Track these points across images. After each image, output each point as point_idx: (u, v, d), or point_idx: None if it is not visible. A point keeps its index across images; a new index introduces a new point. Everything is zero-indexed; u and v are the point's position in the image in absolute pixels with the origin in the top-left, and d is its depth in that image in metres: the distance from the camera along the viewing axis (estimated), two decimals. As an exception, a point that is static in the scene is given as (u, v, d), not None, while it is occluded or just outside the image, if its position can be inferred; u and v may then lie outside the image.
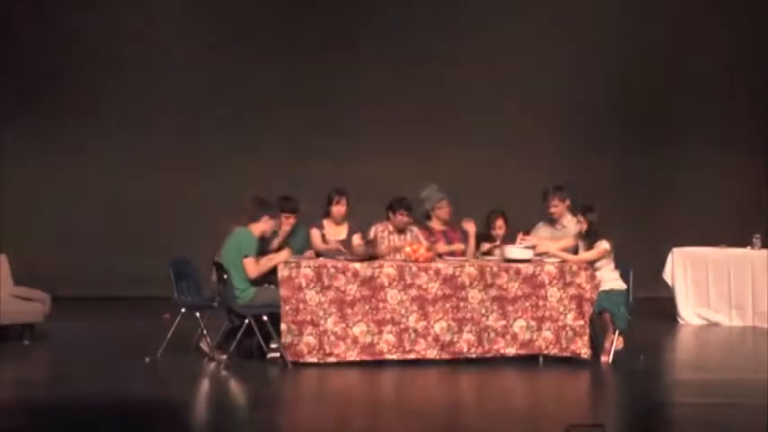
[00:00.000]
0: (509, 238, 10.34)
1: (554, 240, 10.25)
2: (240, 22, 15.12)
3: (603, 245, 9.82)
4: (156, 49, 15.00)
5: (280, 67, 15.08)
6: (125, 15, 15.03)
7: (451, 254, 10.24)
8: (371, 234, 10.22)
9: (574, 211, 10.33)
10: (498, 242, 10.37)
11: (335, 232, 10.26)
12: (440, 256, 10.07)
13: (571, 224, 10.35)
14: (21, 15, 14.76)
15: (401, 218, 10.20)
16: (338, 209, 10.24)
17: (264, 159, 14.77)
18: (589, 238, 9.90)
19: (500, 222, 10.44)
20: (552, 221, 10.49)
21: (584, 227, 9.93)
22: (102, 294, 14.35)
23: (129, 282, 14.32)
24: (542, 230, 10.53)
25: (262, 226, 9.67)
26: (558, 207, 10.43)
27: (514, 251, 9.86)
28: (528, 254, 9.85)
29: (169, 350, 9.87)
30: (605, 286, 9.77)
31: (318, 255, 9.99)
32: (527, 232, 10.26)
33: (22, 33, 14.75)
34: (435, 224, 10.47)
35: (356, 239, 10.01)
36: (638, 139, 15.37)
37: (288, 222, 10.07)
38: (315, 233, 10.18)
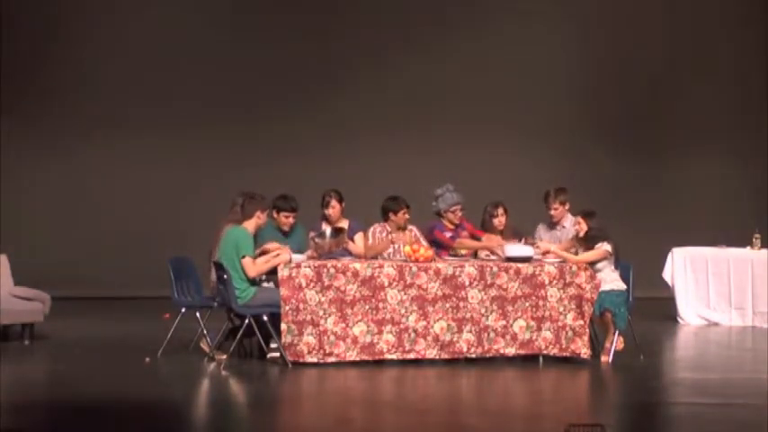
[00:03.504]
0: (510, 232, 10.35)
1: (558, 242, 10.27)
2: (237, 26, 15.13)
3: (604, 246, 9.82)
4: (154, 51, 15.02)
5: (278, 66, 15.10)
6: (126, 18, 15.05)
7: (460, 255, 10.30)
8: (370, 234, 10.22)
9: (573, 213, 10.34)
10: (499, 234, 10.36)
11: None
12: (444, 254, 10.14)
13: (572, 226, 10.36)
14: (25, 18, 14.78)
15: (404, 216, 10.21)
16: (331, 211, 10.22)
17: (263, 159, 14.78)
18: (589, 241, 9.89)
19: (500, 211, 10.42)
20: (552, 224, 10.50)
21: (583, 229, 9.92)
22: (102, 294, 14.37)
23: (129, 282, 14.34)
24: (542, 232, 10.54)
25: (255, 221, 9.66)
26: (558, 210, 10.45)
27: (515, 249, 9.86)
28: (529, 251, 9.85)
29: (169, 350, 9.88)
30: (606, 287, 9.77)
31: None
32: (528, 239, 10.23)
33: (24, 35, 14.77)
34: (446, 222, 10.47)
35: (313, 233, 9.95)
36: (638, 139, 15.38)
37: (287, 221, 10.05)
38: (311, 235, 10.15)
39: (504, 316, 9.63)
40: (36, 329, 10.92)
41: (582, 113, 15.40)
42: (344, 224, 10.21)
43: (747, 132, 15.34)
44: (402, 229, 10.26)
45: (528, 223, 10.61)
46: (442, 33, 15.24)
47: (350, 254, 10.03)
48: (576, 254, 9.94)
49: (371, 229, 10.28)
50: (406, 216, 10.23)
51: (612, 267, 9.90)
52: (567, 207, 10.52)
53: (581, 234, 9.96)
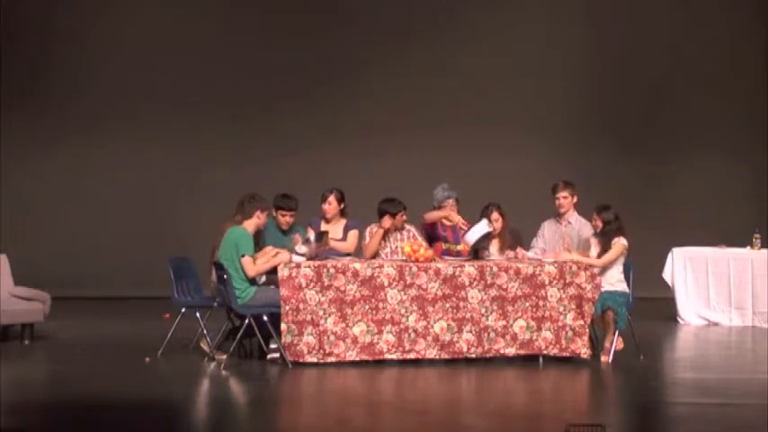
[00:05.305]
0: (507, 233, 10.35)
1: (562, 238, 10.27)
2: (238, 24, 15.13)
3: (621, 241, 9.87)
4: (155, 52, 15.02)
5: (278, 67, 15.10)
6: (127, 17, 15.06)
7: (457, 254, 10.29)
8: (366, 234, 10.22)
9: (581, 211, 10.35)
10: (495, 235, 10.33)
11: (330, 231, 10.19)
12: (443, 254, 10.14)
13: (578, 223, 10.36)
14: (25, 16, 14.79)
15: (401, 218, 10.21)
16: (327, 207, 10.22)
17: (264, 159, 14.78)
18: (605, 236, 9.91)
19: (495, 215, 10.37)
20: (557, 216, 10.46)
21: (599, 226, 9.94)
22: (102, 294, 14.37)
23: (129, 282, 14.34)
24: (548, 227, 10.51)
25: (255, 221, 9.66)
26: (566, 198, 10.41)
27: (473, 233, 9.87)
28: (485, 227, 9.85)
29: (169, 350, 9.89)
30: (609, 287, 9.78)
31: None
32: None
33: (24, 34, 14.78)
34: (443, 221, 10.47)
35: (295, 238, 9.93)
36: (638, 139, 15.39)
37: (285, 220, 10.05)
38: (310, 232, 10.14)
39: (505, 316, 9.63)
40: (36, 329, 10.92)
41: (583, 114, 15.40)
42: (341, 224, 10.23)
43: (748, 133, 15.34)
44: (399, 230, 10.25)
45: (530, 222, 10.59)
46: (444, 33, 15.24)
47: (337, 253, 9.99)
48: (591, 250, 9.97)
49: (368, 229, 10.27)
50: (404, 218, 10.22)
51: (622, 267, 9.93)
52: (574, 200, 10.49)
53: (598, 231, 9.98)
